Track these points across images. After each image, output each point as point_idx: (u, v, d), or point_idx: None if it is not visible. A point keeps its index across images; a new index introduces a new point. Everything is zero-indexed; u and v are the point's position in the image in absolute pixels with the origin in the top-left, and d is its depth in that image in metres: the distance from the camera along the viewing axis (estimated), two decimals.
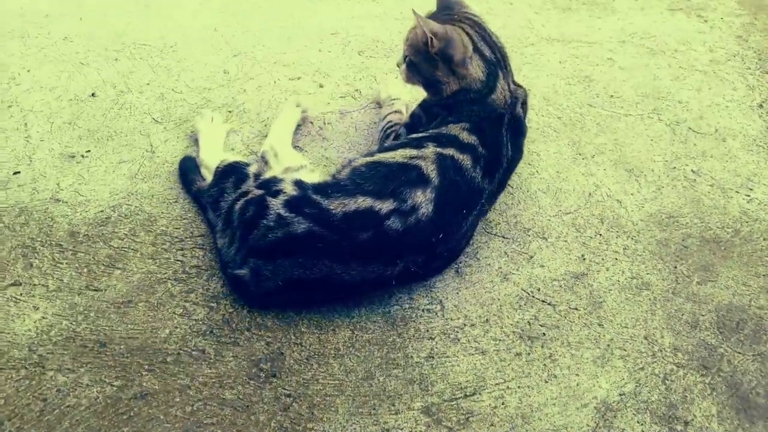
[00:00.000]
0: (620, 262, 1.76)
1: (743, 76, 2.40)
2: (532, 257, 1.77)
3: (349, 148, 2.09)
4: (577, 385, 1.52)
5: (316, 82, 2.34)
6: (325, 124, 2.17)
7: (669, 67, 2.45)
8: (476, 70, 1.70)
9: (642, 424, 1.46)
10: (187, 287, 1.69)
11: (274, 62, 2.42)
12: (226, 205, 1.69)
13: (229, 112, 2.21)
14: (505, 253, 1.78)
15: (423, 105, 1.86)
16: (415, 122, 1.87)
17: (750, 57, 2.50)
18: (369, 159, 1.68)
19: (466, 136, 1.68)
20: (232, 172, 1.76)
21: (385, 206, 1.53)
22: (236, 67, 2.40)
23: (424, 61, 1.72)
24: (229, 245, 1.63)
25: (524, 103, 1.81)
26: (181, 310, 1.64)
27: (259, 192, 1.63)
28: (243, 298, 1.63)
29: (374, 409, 1.47)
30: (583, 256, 1.78)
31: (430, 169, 1.59)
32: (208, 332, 1.60)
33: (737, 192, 1.96)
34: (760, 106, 2.27)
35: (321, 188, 1.60)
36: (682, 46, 2.56)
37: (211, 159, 1.91)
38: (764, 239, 1.83)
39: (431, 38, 1.63)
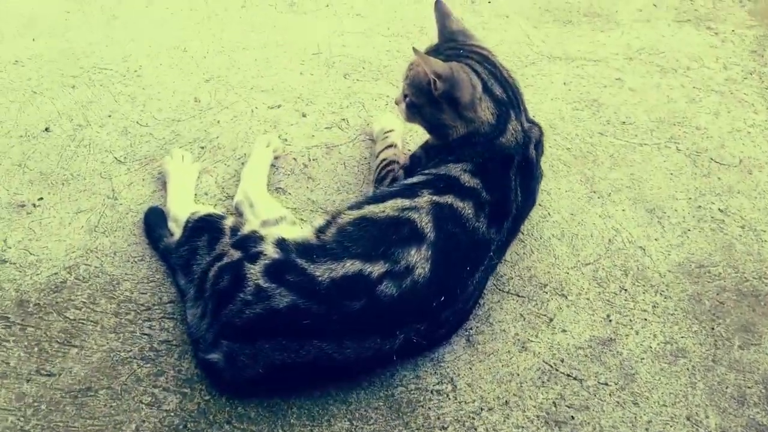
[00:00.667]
0: (650, 324, 1.56)
1: (763, 97, 2.22)
2: (551, 320, 1.56)
3: (338, 189, 1.86)
4: None
5: (299, 110, 2.10)
6: (309, 160, 1.94)
7: (682, 87, 2.25)
8: (485, 113, 1.49)
9: None
10: (156, 368, 1.45)
11: (250, 88, 2.18)
12: (200, 269, 1.46)
13: (201, 148, 1.96)
14: (522, 315, 1.57)
15: (425, 147, 1.64)
16: (414, 165, 1.66)
17: None
18: (356, 214, 1.46)
19: (467, 179, 1.47)
20: (205, 228, 1.52)
21: (376, 269, 1.32)
22: (209, 95, 2.15)
23: (427, 103, 1.51)
24: (200, 318, 1.40)
25: (538, 143, 1.60)
26: (150, 398, 1.40)
27: (237, 255, 1.40)
28: (217, 387, 1.40)
29: None
30: (608, 316, 1.57)
31: (425, 222, 1.39)
32: (181, 426, 1.36)
33: None
34: None
35: (305, 250, 1.38)
36: (694, 63, 2.37)
37: (181, 210, 1.66)
38: None
39: (434, 80, 1.41)
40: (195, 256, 1.49)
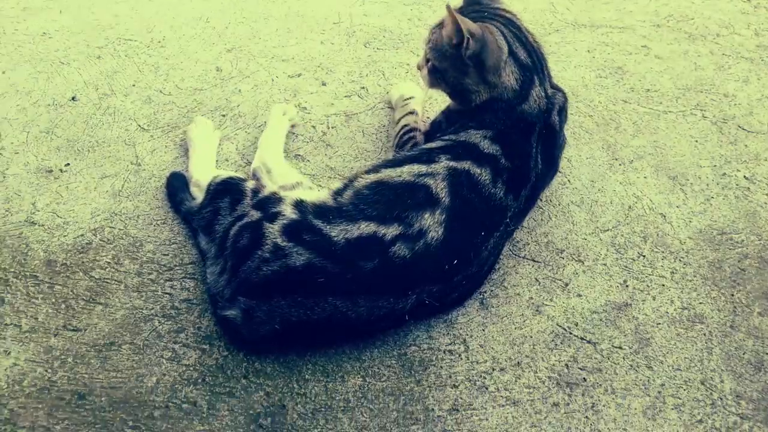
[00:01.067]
0: (668, 289, 1.54)
1: None
2: (567, 285, 1.56)
3: (356, 156, 1.87)
4: None
5: (318, 79, 2.11)
6: (329, 128, 1.95)
7: (711, 54, 2.19)
8: (509, 77, 1.48)
9: None
10: (177, 325, 1.49)
11: (271, 57, 2.19)
12: (222, 229, 1.49)
13: (223, 116, 1.98)
14: (537, 279, 1.57)
15: (446, 112, 1.64)
16: (434, 130, 1.66)
17: None
18: (372, 178, 1.47)
19: (487, 145, 1.46)
20: (228, 191, 1.55)
21: (390, 231, 1.34)
22: (230, 64, 2.17)
23: (451, 66, 1.50)
24: (219, 275, 1.43)
25: (562, 110, 1.58)
26: (170, 354, 1.45)
27: (257, 215, 1.43)
28: (235, 343, 1.44)
29: None
30: (625, 282, 1.56)
31: (440, 188, 1.40)
32: (199, 380, 1.41)
33: None
34: None
35: (322, 212, 1.41)
36: (724, 30, 2.30)
37: (203, 175, 1.69)
38: None
39: (468, 39, 1.40)
40: (217, 216, 1.52)
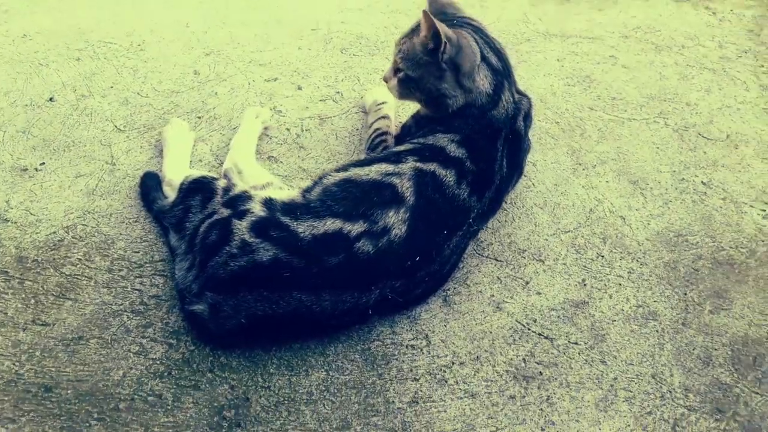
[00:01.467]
0: (624, 288, 1.60)
1: (756, 75, 2.23)
2: (527, 283, 1.60)
3: (329, 159, 1.91)
4: None
5: (295, 83, 2.15)
6: (302, 131, 1.99)
7: (676, 64, 2.27)
8: (483, 81, 1.54)
9: None
10: (145, 321, 1.52)
11: (249, 61, 2.24)
12: (192, 226, 1.52)
13: (198, 117, 2.02)
14: (498, 278, 1.61)
15: (416, 117, 1.69)
16: (404, 134, 1.71)
17: (763, 53, 2.32)
18: (341, 176, 1.51)
19: (454, 149, 1.52)
20: (199, 189, 1.59)
21: (355, 228, 1.38)
22: (208, 68, 2.21)
23: (427, 73, 1.54)
24: (188, 270, 1.47)
25: (527, 116, 1.64)
26: (138, 348, 1.48)
27: (226, 212, 1.47)
28: (202, 338, 1.47)
29: None
30: (583, 281, 1.61)
31: (405, 187, 1.44)
32: (166, 374, 1.43)
33: (751, 206, 1.79)
34: None
35: (290, 209, 1.45)
36: (689, 42, 2.38)
37: (176, 174, 1.73)
38: None
39: (445, 43, 1.45)
40: (188, 214, 1.55)
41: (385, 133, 1.81)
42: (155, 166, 1.86)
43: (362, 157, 1.84)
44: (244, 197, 1.50)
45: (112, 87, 2.13)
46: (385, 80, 1.67)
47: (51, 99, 2.08)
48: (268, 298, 1.36)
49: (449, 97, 1.55)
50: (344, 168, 1.56)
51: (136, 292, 1.58)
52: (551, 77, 2.21)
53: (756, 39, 2.39)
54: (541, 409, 1.39)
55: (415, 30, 1.57)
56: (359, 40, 2.34)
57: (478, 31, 1.60)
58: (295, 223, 1.41)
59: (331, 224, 1.39)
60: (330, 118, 2.04)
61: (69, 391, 1.40)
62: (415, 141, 1.60)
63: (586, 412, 1.38)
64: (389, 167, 1.50)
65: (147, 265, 1.63)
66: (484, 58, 1.56)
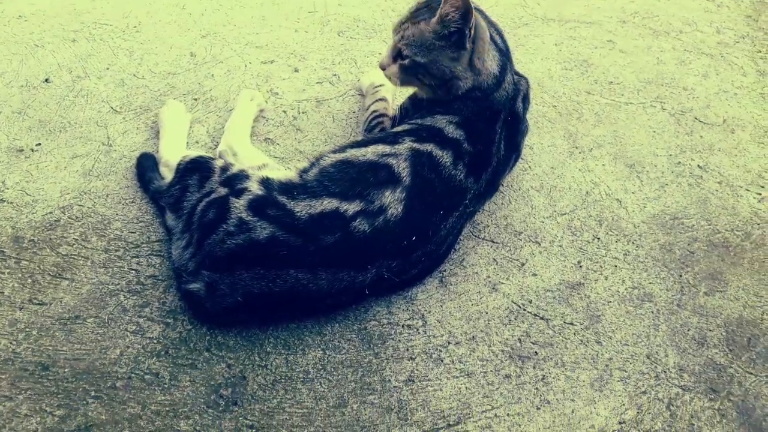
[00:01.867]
0: (620, 270, 1.60)
1: (753, 60, 2.22)
2: (523, 264, 1.61)
3: (326, 141, 1.91)
4: (573, 411, 1.37)
5: (291, 66, 2.14)
6: (299, 113, 1.99)
7: (673, 50, 2.26)
8: (492, 63, 1.53)
9: None
10: (142, 300, 1.52)
11: (245, 44, 2.22)
12: (189, 205, 1.52)
13: (195, 99, 2.01)
14: (495, 260, 1.62)
15: (413, 98, 1.69)
16: (402, 116, 1.70)
17: (760, 39, 2.31)
18: (338, 157, 1.51)
19: (452, 130, 1.51)
20: (197, 169, 1.58)
21: (352, 207, 1.39)
22: (204, 50, 2.20)
23: (441, 56, 1.49)
24: (184, 248, 1.47)
25: (526, 97, 1.63)
26: (134, 327, 1.48)
27: (223, 191, 1.47)
28: (198, 317, 1.47)
29: None
30: (579, 263, 1.62)
31: (402, 168, 1.45)
32: (163, 353, 1.44)
33: (747, 190, 1.80)
34: None
35: (287, 189, 1.45)
36: (687, 27, 2.37)
37: (173, 155, 1.72)
38: None
39: (474, 21, 1.43)
40: (185, 193, 1.55)
41: (383, 115, 1.81)
42: (151, 147, 1.86)
43: (359, 138, 1.84)
44: (242, 176, 1.50)
45: (108, 68, 2.12)
46: (383, 67, 1.60)
47: (47, 80, 2.07)
48: (264, 276, 1.37)
49: (461, 79, 1.52)
50: (341, 149, 1.56)
51: (133, 271, 1.58)
52: (549, 61, 2.20)
53: (754, 24, 2.39)
54: (537, 389, 1.40)
55: (417, 13, 1.51)
56: (356, 22, 2.33)
57: (479, 11, 1.59)
58: (292, 202, 1.41)
59: (328, 204, 1.40)
60: (327, 101, 2.03)
61: (66, 370, 1.41)
62: (413, 122, 1.59)
63: (581, 391, 1.40)
64: (386, 148, 1.49)
65: (144, 245, 1.63)
66: (491, 38, 1.54)
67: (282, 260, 1.36)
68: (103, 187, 1.76)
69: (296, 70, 2.13)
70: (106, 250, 1.62)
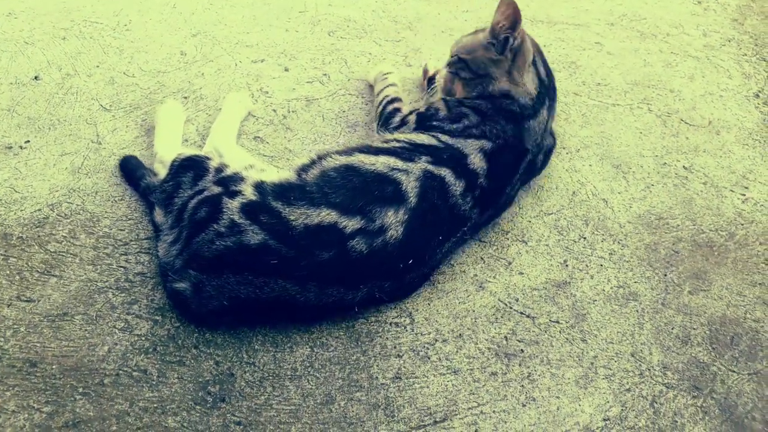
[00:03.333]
0: (606, 269, 1.62)
1: (739, 63, 2.25)
2: (510, 263, 1.62)
3: (315, 140, 1.91)
4: (558, 409, 1.38)
5: (282, 65, 2.15)
6: (289, 112, 1.99)
7: (660, 52, 2.29)
8: (530, 82, 1.58)
9: None
10: (130, 297, 1.53)
11: (236, 43, 2.23)
12: (181, 201, 1.51)
13: (185, 98, 2.02)
14: (482, 258, 1.63)
15: (448, 101, 1.66)
16: (430, 114, 1.65)
17: (746, 42, 2.34)
18: (343, 160, 1.49)
19: (476, 161, 1.51)
20: (191, 167, 1.58)
21: (351, 224, 1.37)
22: (195, 48, 2.20)
23: (485, 54, 1.60)
24: (172, 243, 1.46)
25: (548, 153, 1.71)
26: (123, 324, 1.48)
27: (217, 190, 1.47)
28: (184, 316, 1.47)
29: None
30: (565, 262, 1.63)
31: (410, 187, 1.43)
32: (151, 350, 1.44)
33: (732, 191, 1.82)
34: (757, 95, 2.13)
35: (283, 191, 1.43)
36: (674, 30, 2.40)
37: (168, 152, 1.72)
38: (760, 244, 1.70)
39: (520, 28, 1.54)
40: (178, 190, 1.54)
41: (395, 99, 1.80)
42: (141, 145, 1.86)
43: (373, 133, 1.82)
44: (237, 178, 1.50)
45: (98, 66, 2.12)
46: (428, 74, 1.85)
47: (36, 77, 2.07)
48: (252, 282, 1.36)
49: (495, 79, 1.58)
50: (348, 152, 1.53)
51: (122, 269, 1.58)
52: None
53: (740, 28, 2.42)
54: (522, 386, 1.41)
55: (476, 30, 1.69)
56: (347, 23, 2.34)
57: (533, 42, 1.66)
58: (288, 209, 1.39)
59: (327, 216, 1.37)
60: (317, 100, 2.04)
61: (54, 366, 1.41)
62: (438, 138, 1.56)
63: (566, 388, 1.41)
64: (398, 162, 1.47)
65: (132, 242, 1.63)
66: (534, 63, 1.61)
67: (272, 269, 1.35)
68: (92, 184, 1.76)
69: (286, 69, 2.14)
70: (95, 248, 1.62)
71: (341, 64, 2.17)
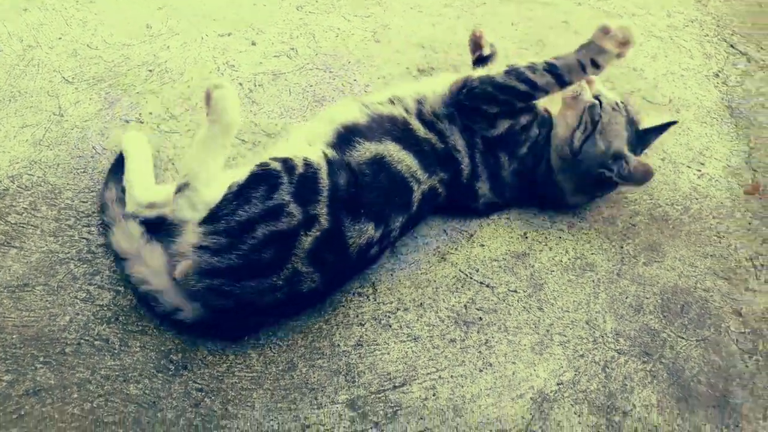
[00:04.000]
0: (564, 241, 1.66)
1: (701, 44, 2.30)
2: (472, 236, 1.65)
3: (281, 114, 1.92)
4: (514, 373, 1.43)
5: (249, 39, 2.14)
6: (255, 86, 1.99)
7: None
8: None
9: (579, 415, 1.38)
10: (93, 268, 1.52)
11: (202, 16, 2.20)
12: None
13: (150, 71, 2.00)
14: (444, 230, 1.66)
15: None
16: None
17: (708, 23, 2.39)
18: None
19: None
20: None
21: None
22: (160, 22, 2.17)
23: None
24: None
25: None
26: (84, 295, 1.48)
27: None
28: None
29: (294, 403, 1.35)
30: (525, 234, 1.67)
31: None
32: (113, 319, 1.44)
33: (688, 167, 1.87)
34: (716, 75, 2.18)
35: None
36: (639, 10, 2.43)
37: (143, 194, 1.56)
38: (713, 217, 1.75)
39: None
40: None
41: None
42: (104, 118, 1.84)
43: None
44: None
45: (60, 38, 2.08)
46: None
47: None
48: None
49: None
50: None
51: (84, 240, 1.57)
52: (505, 40, 2.24)
53: (703, 9, 2.46)
54: (480, 352, 1.45)
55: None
56: None
57: None
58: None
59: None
60: (284, 74, 2.03)
61: (14, 336, 1.40)
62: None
63: (522, 354, 1.45)
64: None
65: (95, 214, 1.62)
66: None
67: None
68: (54, 156, 1.74)
69: (253, 44, 2.12)
70: (57, 219, 1.61)
71: (309, 39, 2.16)
